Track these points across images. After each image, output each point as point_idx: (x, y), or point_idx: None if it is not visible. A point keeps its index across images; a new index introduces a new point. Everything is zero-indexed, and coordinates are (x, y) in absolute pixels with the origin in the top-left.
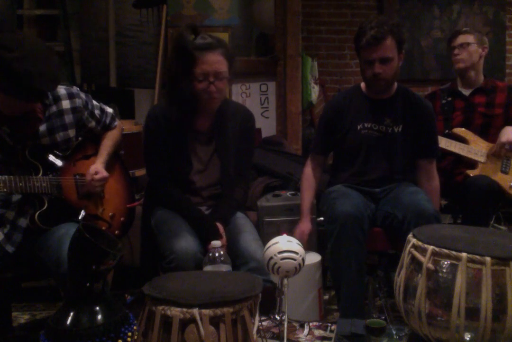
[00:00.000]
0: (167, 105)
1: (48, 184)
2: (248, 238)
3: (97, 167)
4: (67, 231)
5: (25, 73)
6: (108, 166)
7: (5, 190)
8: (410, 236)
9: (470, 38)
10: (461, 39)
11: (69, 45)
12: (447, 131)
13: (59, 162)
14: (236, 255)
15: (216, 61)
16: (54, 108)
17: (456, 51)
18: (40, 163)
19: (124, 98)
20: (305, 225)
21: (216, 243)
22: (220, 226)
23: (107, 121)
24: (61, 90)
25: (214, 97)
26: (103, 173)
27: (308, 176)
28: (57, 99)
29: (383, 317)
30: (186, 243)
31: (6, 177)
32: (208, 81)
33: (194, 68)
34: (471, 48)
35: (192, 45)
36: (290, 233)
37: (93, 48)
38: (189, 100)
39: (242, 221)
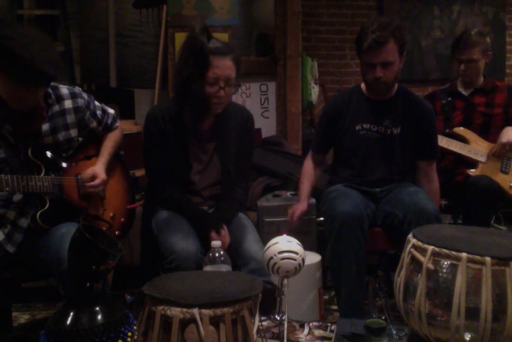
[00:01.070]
0: (177, 108)
1: (50, 184)
2: (250, 238)
3: (95, 170)
4: (67, 231)
5: (30, 57)
6: (109, 167)
7: (7, 188)
8: (410, 236)
9: (476, 52)
10: (468, 54)
11: (69, 45)
12: (447, 130)
13: (61, 162)
14: (237, 256)
15: (228, 67)
16: (57, 108)
17: (463, 66)
18: (42, 162)
19: (124, 98)
20: (300, 204)
21: (216, 243)
22: (224, 226)
23: (109, 122)
24: (64, 90)
25: (222, 103)
26: (101, 176)
27: (308, 169)
28: (60, 98)
29: (383, 317)
30: (187, 243)
31: (9, 176)
32: (218, 86)
33: (207, 72)
34: (478, 64)
35: (208, 48)
36: (290, 233)
37: (93, 48)
38: (201, 102)
39: (243, 221)
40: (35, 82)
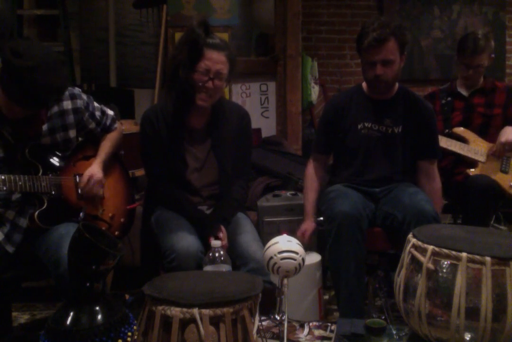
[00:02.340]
0: (165, 95)
1: (48, 183)
2: (249, 238)
3: (90, 172)
4: (67, 231)
5: (33, 83)
6: (108, 167)
7: (4, 188)
8: (410, 235)
9: (485, 57)
10: (478, 60)
11: (69, 45)
12: (447, 131)
13: (59, 162)
14: (236, 256)
15: (220, 61)
16: (55, 109)
17: (471, 72)
18: (40, 163)
19: (124, 98)
20: (307, 224)
21: (216, 242)
22: (222, 228)
23: (108, 123)
24: None
25: (210, 96)
26: (98, 175)
27: (311, 176)
28: (59, 99)
29: (383, 317)
30: (187, 242)
31: (6, 175)
32: (208, 76)
33: (199, 62)
34: (484, 68)
35: (203, 40)
36: (290, 233)
37: (93, 48)
38: (186, 89)
39: (243, 221)
40: (30, 106)
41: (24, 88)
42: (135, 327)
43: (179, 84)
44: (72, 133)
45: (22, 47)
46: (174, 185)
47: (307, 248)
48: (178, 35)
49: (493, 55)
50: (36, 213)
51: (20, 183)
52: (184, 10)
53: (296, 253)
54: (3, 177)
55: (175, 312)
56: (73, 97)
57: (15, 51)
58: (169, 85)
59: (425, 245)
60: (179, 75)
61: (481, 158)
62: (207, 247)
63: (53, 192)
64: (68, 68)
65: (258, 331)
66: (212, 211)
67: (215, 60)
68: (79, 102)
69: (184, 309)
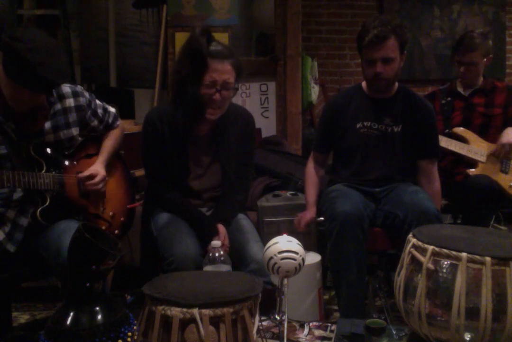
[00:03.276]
0: (173, 109)
1: (51, 181)
2: (250, 239)
3: (93, 170)
4: (67, 226)
5: (36, 63)
6: (109, 166)
7: (8, 184)
8: (410, 236)
9: (477, 56)
10: (469, 58)
11: (69, 45)
12: (447, 131)
13: (62, 160)
14: (237, 257)
15: (226, 71)
16: (58, 106)
17: (463, 69)
18: (44, 160)
19: (124, 98)
20: (306, 213)
21: (216, 243)
22: (222, 228)
23: (110, 120)
24: (66, 88)
25: (219, 107)
26: (101, 174)
27: (311, 173)
28: (62, 97)
29: (383, 317)
30: (186, 245)
31: (10, 172)
32: (215, 88)
33: (204, 75)
34: (477, 67)
35: (206, 50)
36: (290, 233)
37: (93, 48)
38: (195, 105)
39: (243, 222)
40: (37, 88)
41: (30, 69)
42: (135, 327)
43: (188, 101)
44: (75, 131)
45: (20, 33)
46: (174, 187)
47: (306, 247)
48: (178, 35)
49: (491, 55)
50: (39, 210)
51: (24, 180)
52: (184, 10)
53: (296, 253)
54: (7, 173)
55: (175, 312)
56: (75, 94)
57: (14, 37)
58: (175, 101)
59: (425, 245)
60: (186, 90)
61: (481, 158)
62: (206, 249)
63: (56, 189)
64: (69, 67)
65: (258, 331)
66: (212, 212)
67: (220, 71)
68: (82, 100)
69: (184, 309)
